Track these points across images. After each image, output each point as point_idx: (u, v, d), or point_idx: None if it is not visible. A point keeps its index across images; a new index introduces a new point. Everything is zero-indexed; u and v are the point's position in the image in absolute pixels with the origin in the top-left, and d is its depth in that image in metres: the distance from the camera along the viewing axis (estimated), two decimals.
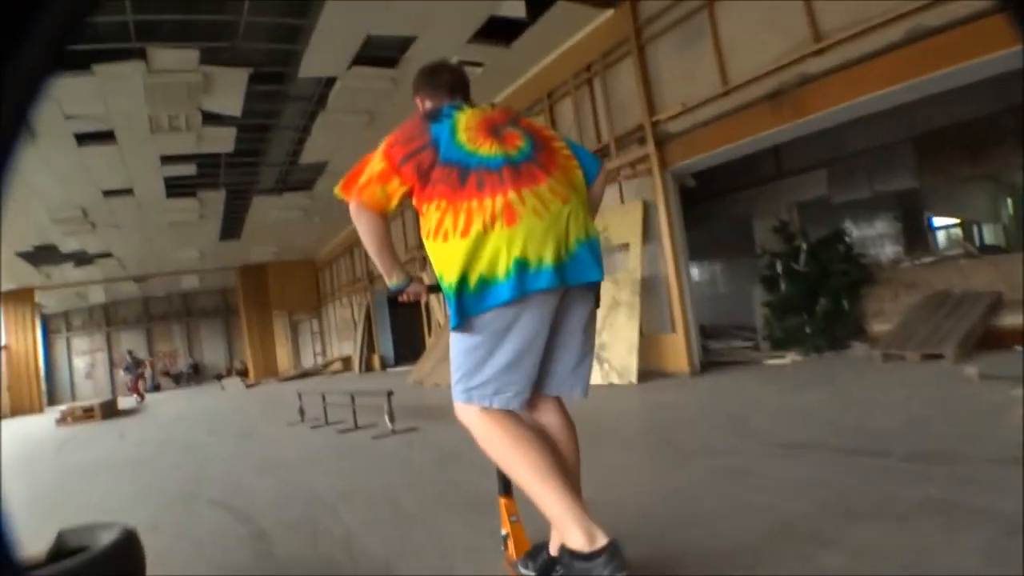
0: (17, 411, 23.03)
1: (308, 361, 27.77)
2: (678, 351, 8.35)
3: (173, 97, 9.77)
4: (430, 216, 2.04)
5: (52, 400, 29.74)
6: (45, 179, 12.69)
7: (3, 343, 23.71)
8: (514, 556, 2.33)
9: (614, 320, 8.58)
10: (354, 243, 21.84)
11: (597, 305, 2.19)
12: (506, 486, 2.39)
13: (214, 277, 28.35)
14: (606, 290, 8.78)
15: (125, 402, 21.23)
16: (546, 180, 2.04)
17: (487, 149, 2.06)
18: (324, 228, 21.22)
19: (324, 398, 8.46)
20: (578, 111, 9.99)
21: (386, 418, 6.71)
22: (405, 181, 2.05)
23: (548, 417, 2.25)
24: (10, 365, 23.56)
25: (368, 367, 20.76)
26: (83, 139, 11.08)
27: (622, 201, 9.21)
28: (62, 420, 14.43)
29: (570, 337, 2.14)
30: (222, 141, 12.21)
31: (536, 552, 2.27)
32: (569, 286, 2.01)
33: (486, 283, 1.94)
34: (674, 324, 8.45)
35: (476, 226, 1.94)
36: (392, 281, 2.20)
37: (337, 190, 2.17)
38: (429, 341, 15.51)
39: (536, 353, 2.04)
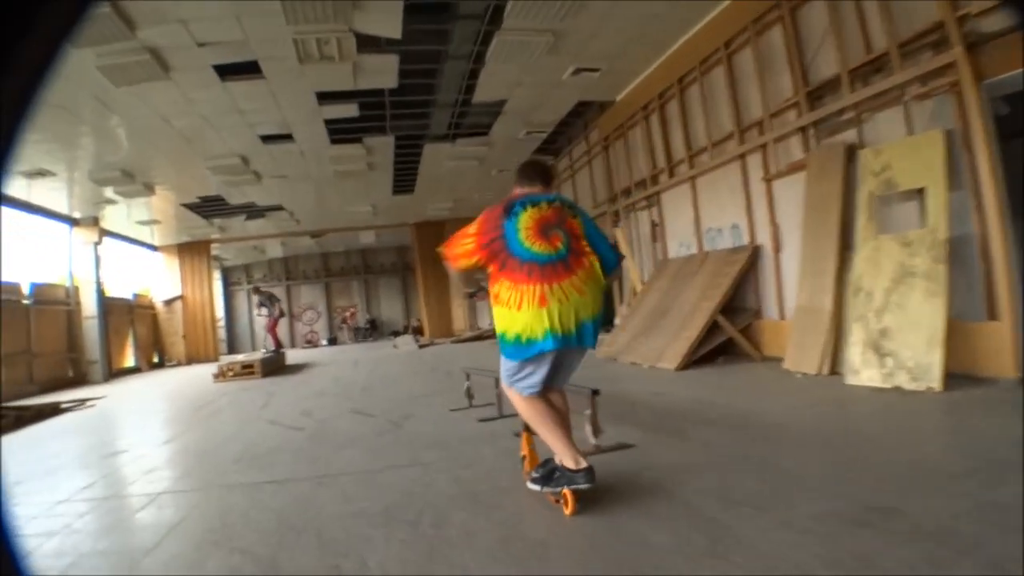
0: (193, 359, 23.20)
1: (485, 322, 26.42)
2: (1001, 346, 5.69)
3: (316, 12, 8.01)
4: (497, 288, 3.33)
5: (232, 349, 30.47)
6: (193, 121, 11.50)
7: (180, 293, 23.77)
8: (529, 468, 3.67)
9: (904, 299, 5.98)
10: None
11: (592, 347, 3.50)
12: (527, 427, 3.70)
13: (390, 234, 27.43)
14: (891, 253, 6.28)
15: (302, 353, 20.92)
16: (569, 277, 3.26)
17: (538, 248, 3.27)
18: (501, 181, 19.42)
19: (498, 383, 6.53)
20: (837, 13, 7.32)
21: (588, 429, 4.66)
22: (481, 260, 3.38)
23: (554, 395, 3.59)
24: (187, 315, 23.64)
25: None
26: (224, 72, 9.62)
27: (909, 132, 6.54)
28: (219, 375, 13.52)
29: (567, 370, 3.58)
30: (384, 74, 10.48)
31: (544, 464, 3.47)
32: (574, 347, 3.37)
33: (529, 341, 3.25)
34: (994, 308, 5.79)
35: (524, 304, 3.22)
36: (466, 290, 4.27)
37: (440, 249, 3.59)
38: (621, 310, 13.35)
39: (549, 373, 3.38)
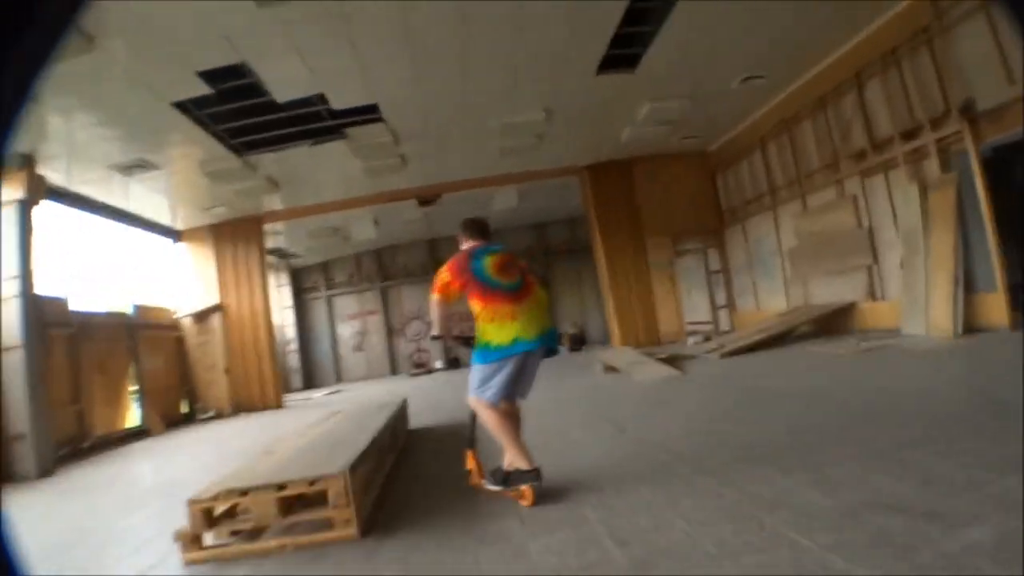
0: (243, 406, 14.10)
1: (697, 313, 16.36)
2: None
3: None
4: (475, 308, 4.21)
5: (310, 383, 21.46)
6: None
7: (217, 302, 14.54)
8: (478, 479, 4.31)
9: None
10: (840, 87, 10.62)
11: (553, 355, 4.39)
12: (471, 443, 4.44)
13: (535, 195, 17.65)
14: None
15: (409, 389, 10.46)
16: (525, 301, 4.17)
17: (502, 279, 4.20)
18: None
19: None
20: None
21: None
22: (458, 287, 4.22)
23: (512, 409, 4.34)
24: (231, 335, 14.42)
25: None
26: None
27: None
28: (192, 542, 3.67)
29: (529, 376, 4.29)
30: None
31: (495, 472, 4.20)
32: (537, 349, 4.18)
33: (498, 347, 4.07)
34: None
35: (496, 318, 4.10)
36: (433, 333, 4.59)
37: (432, 292, 4.36)
38: None
39: (512, 379, 4.13)
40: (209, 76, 8.00)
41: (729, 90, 11.59)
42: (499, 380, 4.09)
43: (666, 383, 8.68)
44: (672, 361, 10.24)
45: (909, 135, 9.69)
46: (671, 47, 9.40)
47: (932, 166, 9.41)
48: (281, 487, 3.66)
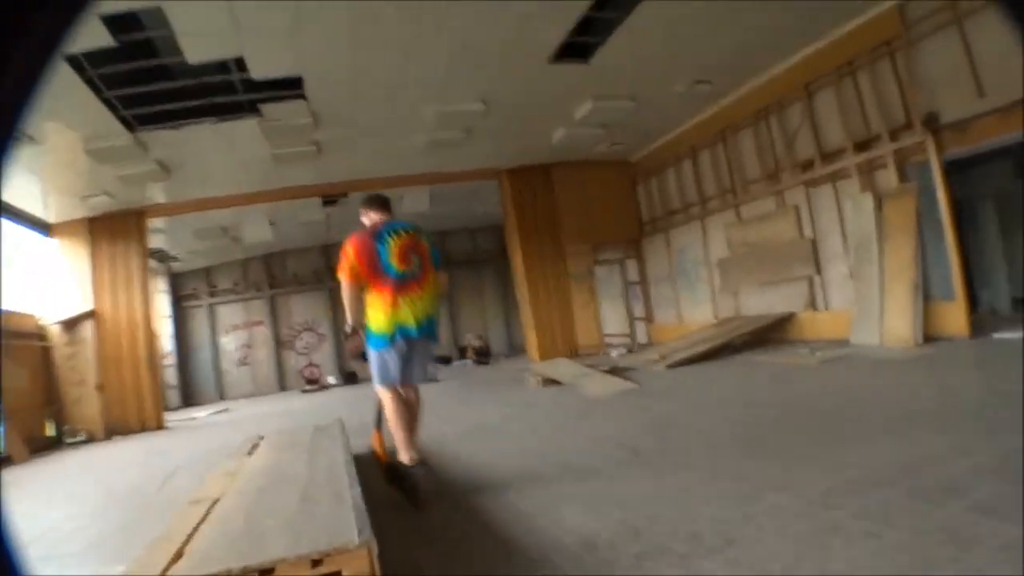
0: (117, 429, 12.46)
1: (610, 325, 15.78)
2: None
3: None
4: (370, 294, 4.28)
5: (189, 400, 19.57)
6: None
7: (90, 308, 12.82)
8: (382, 457, 4.60)
9: None
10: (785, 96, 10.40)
11: (435, 342, 4.58)
12: (377, 424, 4.68)
13: (451, 198, 16.62)
14: None
15: (304, 408, 9.26)
16: (417, 290, 4.30)
17: (397, 267, 4.26)
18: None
19: None
20: None
21: None
22: (365, 268, 4.22)
23: (410, 394, 4.51)
24: (104, 347, 12.72)
25: None
26: None
27: None
28: None
29: (417, 361, 4.44)
30: None
31: (387, 469, 4.47)
32: (419, 337, 4.32)
33: (386, 335, 4.22)
34: None
35: (382, 307, 4.23)
36: (349, 323, 4.43)
37: (338, 274, 4.35)
38: None
39: (403, 365, 4.32)
40: (113, 23, 6.61)
41: (672, 93, 11.06)
42: (392, 365, 4.31)
43: (626, 397, 7.89)
44: (616, 373, 9.50)
45: (863, 146, 9.45)
46: (630, 38, 8.73)
47: (888, 176, 9.17)
48: (266, 572, 2.32)
